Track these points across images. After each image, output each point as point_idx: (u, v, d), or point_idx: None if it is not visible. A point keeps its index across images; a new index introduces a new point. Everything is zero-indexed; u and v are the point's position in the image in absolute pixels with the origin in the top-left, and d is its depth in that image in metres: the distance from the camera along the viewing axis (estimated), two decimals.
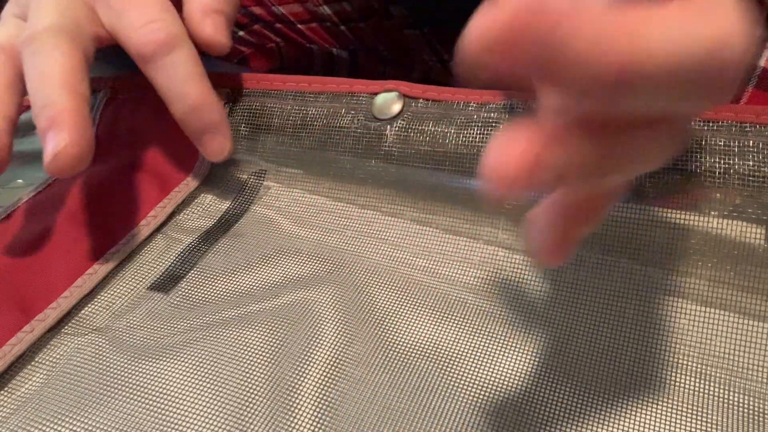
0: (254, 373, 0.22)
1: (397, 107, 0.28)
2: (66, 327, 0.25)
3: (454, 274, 0.26)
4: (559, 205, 0.15)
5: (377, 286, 0.25)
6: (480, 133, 0.26)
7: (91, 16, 0.28)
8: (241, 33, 0.47)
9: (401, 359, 0.22)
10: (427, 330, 0.23)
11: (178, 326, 0.25)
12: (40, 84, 0.24)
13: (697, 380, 0.20)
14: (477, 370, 0.22)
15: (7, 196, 0.33)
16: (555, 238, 0.15)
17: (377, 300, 0.25)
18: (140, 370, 0.23)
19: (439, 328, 0.23)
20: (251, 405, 0.21)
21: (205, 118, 0.27)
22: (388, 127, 0.28)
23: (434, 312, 0.24)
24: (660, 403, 0.20)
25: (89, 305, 0.26)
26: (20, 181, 0.34)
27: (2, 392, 0.23)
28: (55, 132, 0.23)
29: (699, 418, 0.20)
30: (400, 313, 0.24)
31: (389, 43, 0.47)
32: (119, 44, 0.28)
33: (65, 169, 0.23)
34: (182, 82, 0.27)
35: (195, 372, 0.23)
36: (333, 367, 0.22)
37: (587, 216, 0.15)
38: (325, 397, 0.21)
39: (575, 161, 0.12)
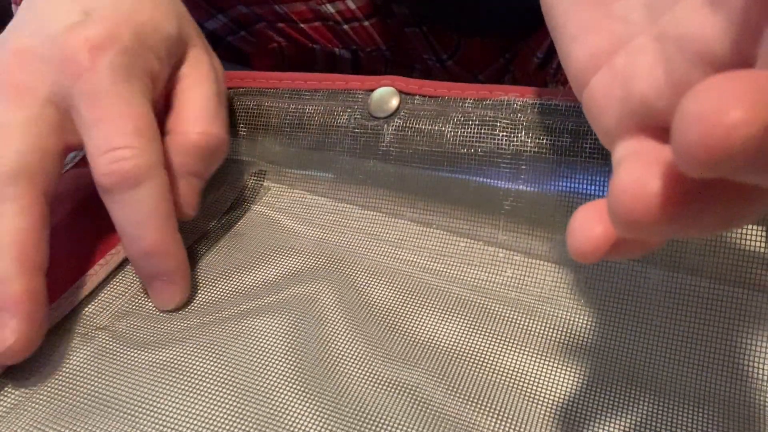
0: (248, 366, 0.22)
1: (394, 102, 0.28)
2: (66, 328, 0.25)
3: (454, 273, 0.25)
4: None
5: (377, 286, 0.25)
6: (477, 132, 0.26)
7: (61, 123, 0.24)
8: (243, 33, 0.47)
9: (402, 357, 0.22)
10: (428, 328, 0.23)
11: (180, 325, 0.25)
12: None
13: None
14: (478, 368, 0.22)
15: None
16: (602, 243, 0.13)
17: (377, 299, 0.25)
18: (144, 361, 0.23)
19: (440, 326, 0.23)
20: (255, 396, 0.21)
21: (158, 265, 0.25)
22: (385, 125, 0.28)
23: (435, 310, 0.24)
24: (655, 392, 0.20)
25: (90, 306, 0.26)
26: None
27: (2, 392, 0.23)
28: (4, 320, 0.21)
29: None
30: (400, 311, 0.24)
31: (390, 42, 0.47)
32: None
33: (6, 362, 0.21)
34: (138, 224, 0.24)
35: (199, 361, 0.23)
36: (334, 364, 0.22)
37: (647, 244, 0.14)
38: (323, 398, 0.21)
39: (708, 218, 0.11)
